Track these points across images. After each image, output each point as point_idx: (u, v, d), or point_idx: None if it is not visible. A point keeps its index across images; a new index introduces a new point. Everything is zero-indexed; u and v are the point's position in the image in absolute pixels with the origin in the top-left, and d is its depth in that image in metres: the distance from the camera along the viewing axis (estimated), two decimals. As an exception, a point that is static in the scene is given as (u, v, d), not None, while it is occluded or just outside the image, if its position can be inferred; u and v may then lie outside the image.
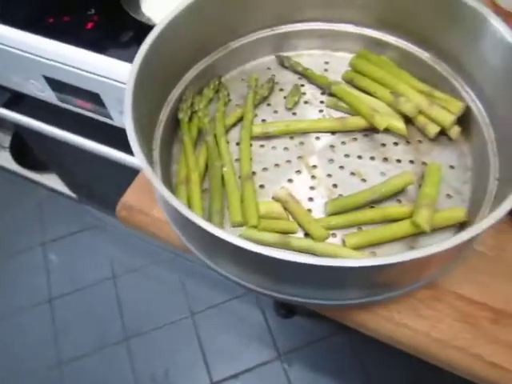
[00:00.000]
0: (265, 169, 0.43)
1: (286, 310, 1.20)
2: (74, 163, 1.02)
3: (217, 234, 0.28)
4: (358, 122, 0.44)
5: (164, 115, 0.44)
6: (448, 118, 0.42)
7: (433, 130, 0.42)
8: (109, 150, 0.81)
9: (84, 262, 1.35)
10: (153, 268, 1.32)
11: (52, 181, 1.38)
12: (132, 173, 0.79)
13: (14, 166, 1.41)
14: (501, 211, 0.28)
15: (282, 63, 0.50)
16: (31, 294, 1.30)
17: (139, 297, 1.28)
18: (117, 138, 0.77)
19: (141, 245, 1.34)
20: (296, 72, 0.49)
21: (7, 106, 0.87)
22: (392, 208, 0.39)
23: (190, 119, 0.45)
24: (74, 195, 1.29)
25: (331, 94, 0.47)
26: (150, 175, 0.31)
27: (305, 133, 0.45)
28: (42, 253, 1.37)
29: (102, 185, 1.05)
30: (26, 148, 1.38)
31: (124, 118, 0.34)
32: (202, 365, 1.17)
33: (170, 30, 0.41)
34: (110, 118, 0.73)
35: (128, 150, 0.84)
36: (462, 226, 0.38)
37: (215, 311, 1.24)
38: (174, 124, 0.45)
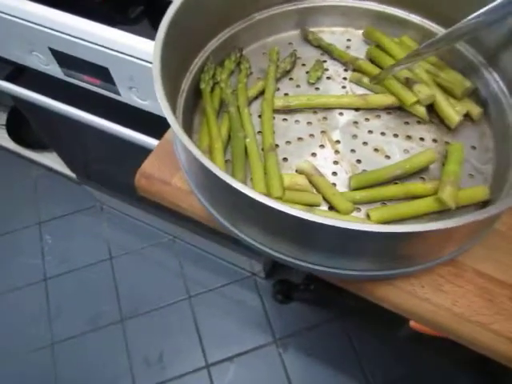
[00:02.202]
0: (288, 142, 0.43)
1: (284, 296, 1.21)
2: (76, 141, 1.00)
3: (248, 194, 0.28)
4: (381, 99, 0.44)
5: (186, 84, 0.43)
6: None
7: (452, 122, 0.42)
8: (114, 127, 0.80)
9: (81, 242, 1.34)
10: (151, 250, 1.31)
11: (49, 159, 1.36)
12: (137, 151, 0.78)
13: (10, 143, 1.38)
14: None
15: (306, 37, 0.49)
16: (26, 274, 1.28)
17: (136, 278, 1.27)
18: (123, 115, 0.76)
19: (139, 227, 1.33)
20: (319, 47, 0.49)
21: (9, 79, 0.84)
22: (416, 185, 0.39)
23: (212, 90, 0.45)
24: (72, 175, 1.27)
25: (355, 70, 0.46)
26: (182, 136, 0.30)
27: (328, 108, 0.45)
28: (38, 232, 1.36)
29: (105, 164, 1.03)
30: (22, 126, 1.36)
31: (155, 87, 0.33)
32: (198, 347, 1.17)
33: (192, 1, 0.40)
34: (118, 94, 0.72)
35: (134, 126, 0.83)
36: (484, 205, 0.39)
37: (213, 295, 1.24)
38: (196, 94, 0.45)
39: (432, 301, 0.36)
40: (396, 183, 0.40)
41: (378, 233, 0.27)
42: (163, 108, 0.32)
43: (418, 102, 0.42)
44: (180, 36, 0.40)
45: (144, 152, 0.76)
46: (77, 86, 0.76)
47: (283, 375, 1.13)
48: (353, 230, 0.27)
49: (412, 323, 0.66)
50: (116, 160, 0.94)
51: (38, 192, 1.42)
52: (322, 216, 0.27)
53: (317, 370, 1.14)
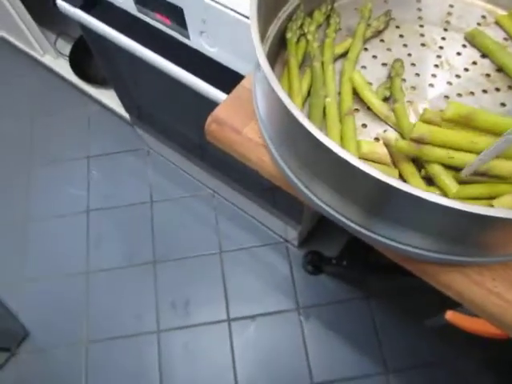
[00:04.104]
0: (369, 108, 0.41)
1: (314, 267, 1.21)
2: (136, 80, 1.00)
3: (334, 149, 0.26)
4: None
5: (273, 31, 0.41)
6: None
7: None
8: (177, 70, 0.78)
9: (125, 181, 1.37)
10: (191, 201, 1.33)
11: (106, 97, 1.38)
12: (196, 99, 0.77)
13: (70, 75, 1.40)
14: None
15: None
16: (71, 203, 1.34)
17: (173, 225, 1.30)
18: (189, 60, 0.75)
19: (182, 176, 1.35)
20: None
21: (83, 8, 0.84)
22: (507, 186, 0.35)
23: (298, 41, 0.42)
24: (125, 115, 1.29)
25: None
26: (269, 73, 0.29)
27: (418, 76, 0.41)
28: (86, 166, 1.40)
29: (160, 108, 1.04)
30: (85, 59, 1.38)
31: (252, 31, 0.32)
32: (222, 301, 1.20)
33: None
34: (187, 38, 0.70)
35: (198, 73, 0.82)
36: None
37: (244, 253, 1.25)
38: (280, 44, 0.43)
39: (502, 296, 0.34)
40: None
41: (463, 211, 0.25)
42: (256, 45, 0.30)
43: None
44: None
45: (201, 101, 0.75)
46: (147, 24, 0.74)
47: (301, 343, 1.15)
48: (437, 205, 0.25)
49: (449, 316, 0.64)
50: (172, 106, 0.94)
51: (90, 127, 1.45)
52: (408, 185, 0.25)
53: (335, 344, 1.15)
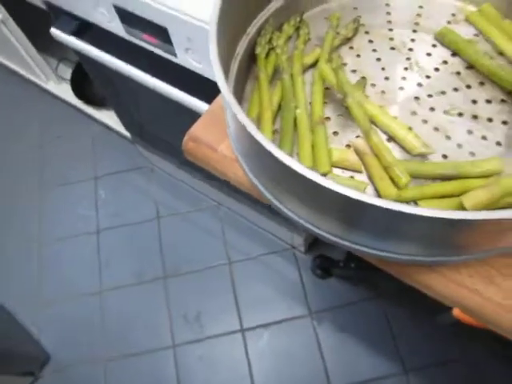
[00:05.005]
0: (340, 115, 0.41)
1: (323, 271, 1.21)
2: (132, 100, 1.02)
3: (293, 166, 0.27)
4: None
5: (242, 48, 0.42)
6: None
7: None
8: (169, 89, 0.80)
9: (131, 199, 1.39)
10: (196, 214, 1.34)
11: (107, 117, 1.41)
12: (187, 115, 0.79)
13: (72, 98, 1.44)
14: None
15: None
16: (81, 224, 1.36)
17: (180, 240, 1.31)
18: (178, 77, 0.76)
19: (186, 191, 1.37)
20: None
21: (75, 34, 0.87)
22: (476, 181, 0.35)
23: (267, 55, 0.43)
24: (127, 133, 1.32)
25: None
26: (232, 102, 0.30)
27: (388, 80, 0.42)
28: (93, 186, 1.43)
29: (158, 125, 1.06)
30: (85, 82, 1.41)
31: (209, 48, 0.33)
32: (234, 311, 1.20)
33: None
34: (174, 55, 0.72)
35: (188, 89, 0.84)
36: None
37: (253, 262, 1.26)
38: (250, 60, 0.43)
39: (481, 292, 0.33)
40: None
41: (429, 217, 0.25)
42: (215, 70, 0.31)
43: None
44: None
45: (194, 116, 0.76)
46: (136, 46, 0.77)
47: (316, 348, 1.14)
48: (401, 213, 0.25)
49: (455, 312, 0.63)
50: (167, 122, 0.96)
51: (95, 148, 1.49)
52: (370, 196, 0.26)
53: (350, 346, 1.14)
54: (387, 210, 0.25)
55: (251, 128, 0.28)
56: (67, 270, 1.30)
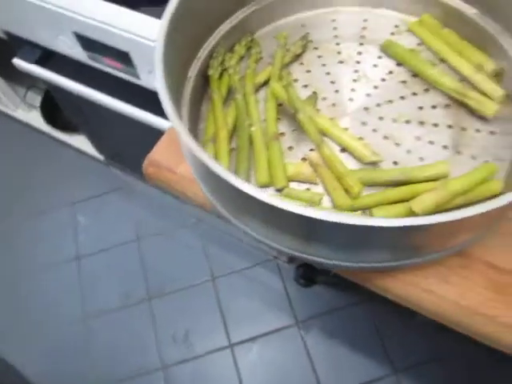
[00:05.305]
0: (294, 130, 0.42)
1: (306, 279, 1.21)
2: (102, 124, 1.03)
3: (245, 190, 0.28)
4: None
5: (194, 71, 0.43)
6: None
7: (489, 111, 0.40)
8: (135, 111, 0.81)
9: (111, 222, 1.38)
10: (177, 232, 1.34)
11: (80, 141, 1.40)
12: (158, 134, 0.79)
13: (44, 126, 1.43)
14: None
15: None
16: (59, 252, 1.34)
17: (163, 259, 1.31)
18: (144, 99, 0.77)
19: (165, 209, 1.36)
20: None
21: (38, 62, 0.87)
22: (424, 186, 0.36)
23: (220, 76, 0.44)
24: (100, 157, 1.31)
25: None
26: (179, 127, 0.30)
27: (338, 92, 0.43)
28: (71, 212, 1.41)
29: (129, 146, 1.06)
30: (56, 108, 1.40)
31: (155, 73, 0.33)
32: (222, 327, 1.19)
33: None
34: (138, 78, 0.73)
35: (155, 110, 0.85)
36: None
37: (236, 276, 1.26)
38: (204, 81, 0.44)
39: (436, 293, 0.35)
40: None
41: (374, 227, 0.26)
42: (161, 97, 0.32)
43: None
44: (189, 18, 0.39)
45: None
46: (100, 70, 0.77)
47: (305, 357, 1.14)
48: (346, 226, 0.26)
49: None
50: (137, 143, 0.96)
51: (70, 173, 1.47)
52: (318, 210, 0.27)
53: (339, 352, 1.14)
54: (322, 221, 0.26)
55: (196, 149, 0.29)
56: (48, 299, 1.28)
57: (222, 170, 0.29)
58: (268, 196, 0.27)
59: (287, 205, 0.27)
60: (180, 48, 0.39)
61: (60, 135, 1.42)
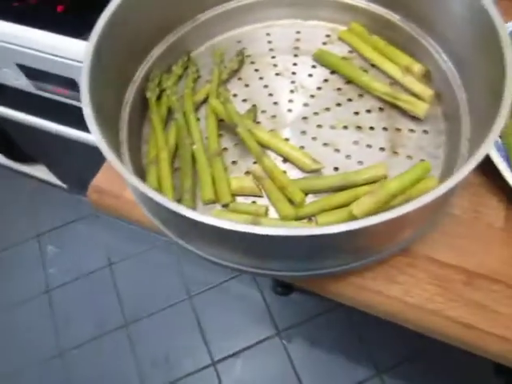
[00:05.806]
0: (236, 144, 0.43)
1: (283, 287, 1.21)
2: (59, 152, 1.01)
3: (183, 213, 0.28)
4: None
5: (130, 95, 0.43)
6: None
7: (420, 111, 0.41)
8: (90, 136, 0.80)
9: (80, 251, 1.35)
10: (149, 253, 1.32)
11: (41, 172, 1.37)
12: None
13: (1, 159, 1.39)
14: (463, 171, 0.27)
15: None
16: (29, 286, 1.30)
17: (136, 282, 1.28)
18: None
19: (135, 232, 1.34)
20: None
21: (-16, 97, 0.85)
22: (364, 188, 0.37)
23: (159, 98, 0.44)
24: (64, 185, 1.29)
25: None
26: (111, 158, 0.30)
27: (276, 104, 0.44)
28: (37, 244, 1.37)
29: (89, 172, 1.04)
30: (13, 140, 1.37)
31: (82, 101, 0.33)
32: (203, 346, 1.18)
33: (132, 2, 0.40)
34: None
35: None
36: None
37: (213, 292, 1.25)
38: (143, 104, 0.44)
39: (384, 293, 0.35)
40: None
41: (311, 236, 0.27)
42: (87, 119, 0.32)
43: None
44: (118, 40, 0.39)
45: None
46: (49, 99, 0.76)
47: (289, 366, 1.14)
48: (287, 237, 0.27)
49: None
50: (97, 168, 0.95)
51: (34, 205, 1.44)
52: (254, 226, 0.27)
53: (323, 358, 1.14)
54: (263, 236, 0.27)
55: (124, 172, 0.29)
56: (20, 338, 1.23)
57: (155, 194, 0.29)
58: (202, 216, 0.28)
59: (220, 222, 0.27)
60: (112, 72, 0.39)
61: (20, 167, 1.39)
